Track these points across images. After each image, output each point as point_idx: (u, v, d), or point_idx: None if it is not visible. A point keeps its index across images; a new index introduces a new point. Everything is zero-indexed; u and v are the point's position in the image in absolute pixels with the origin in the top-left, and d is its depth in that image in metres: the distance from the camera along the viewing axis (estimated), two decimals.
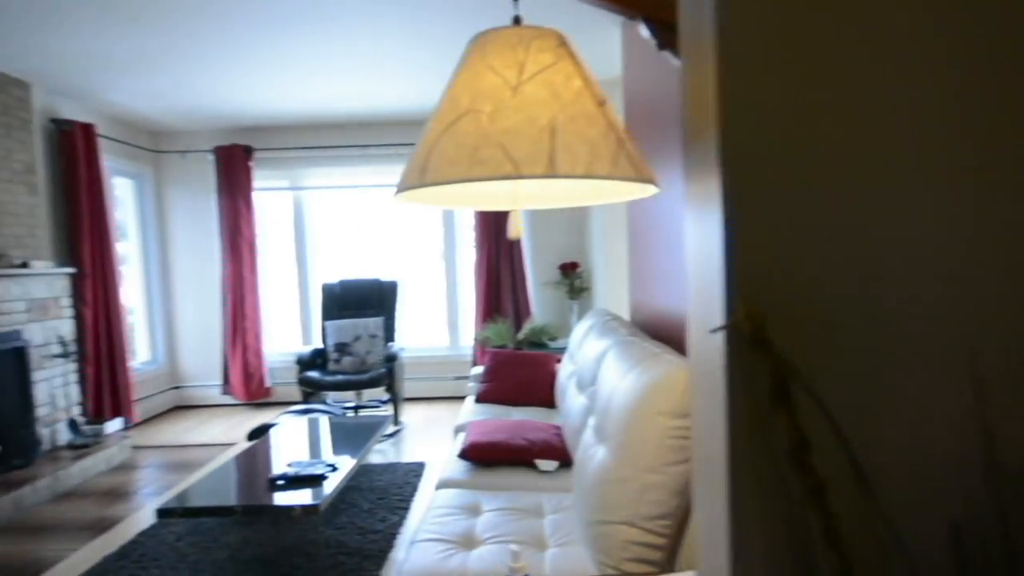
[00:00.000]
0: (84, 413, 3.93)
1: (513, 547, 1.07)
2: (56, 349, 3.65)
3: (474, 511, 1.91)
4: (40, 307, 3.57)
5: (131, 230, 5.02)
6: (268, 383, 5.18)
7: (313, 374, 4.14)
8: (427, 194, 0.99)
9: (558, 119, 0.75)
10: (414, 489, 3.17)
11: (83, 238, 4.05)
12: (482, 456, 2.27)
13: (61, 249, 4.03)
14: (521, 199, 1.02)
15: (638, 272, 2.81)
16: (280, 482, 2.21)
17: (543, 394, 3.29)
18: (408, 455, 3.78)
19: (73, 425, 3.69)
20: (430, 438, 4.13)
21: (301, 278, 5.33)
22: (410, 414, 4.75)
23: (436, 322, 5.40)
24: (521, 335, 4.70)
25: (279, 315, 5.41)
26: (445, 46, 3.39)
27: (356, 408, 4.30)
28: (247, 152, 5.00)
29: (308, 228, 5.33)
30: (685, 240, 0.63)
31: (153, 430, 4.57)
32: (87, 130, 4.13)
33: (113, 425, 3.96)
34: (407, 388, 4.96)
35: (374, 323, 4.47)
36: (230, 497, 2.18)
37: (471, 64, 0.82)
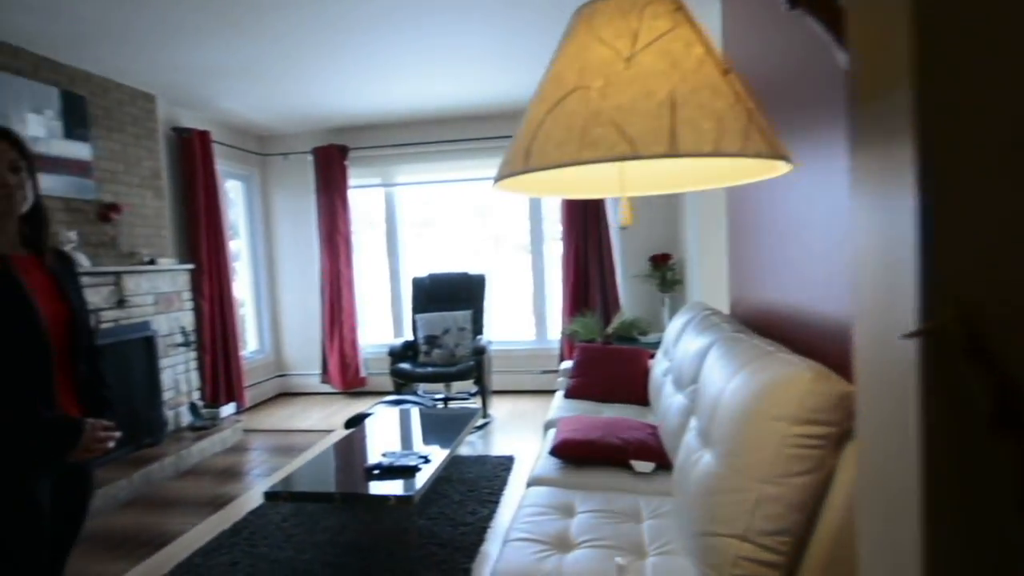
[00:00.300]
0: (202, 398, 4.27)
1: (619, 560, 1.00)
2: (179, 339, 3.99)
3: (568, 511, 1.85)
4: (165, 300, 3.91)
5: (241, 229, 5.39)
6: (363, 373, 5.40)
7: (405, 366, 4.25)
8: (529, 182, 0.93)
9: (679, 91, 0.67)
10: (503, 483, 3.16)
11: (200, 237, 4.38)
12: (574, 454, 2.21)
13: (182, 247, 4.39)
14: (630, 185, 0.93)
15: (740, 263, 2.62)
16: (375, 472, 2.26)
17: (635, 391, 3.16)
18: (497, 448, 3.79)
19: (194, 409, 4.01)
20: (518, 432, 4.12)
21: (392, 272, 5.49)
22: (498, 407, 4.77)
23: (523, 315, 5.39)
24: (610, 329, 4.58)
25: (373, 308, 5.62)
26: (536, 31, 3.32)
27: (445, 400, 4.37)
28: (342, 152, 5.21)
29: (399, 223, 5.49)
30: (851, 225, 0.52)
31: (261, 415, 4.89)
32: (203, 137, 4.46)
33: (227, 409, 4.27)
34: (494, 381, 4.99)
35: (463, 316, 4.52)
36: (330, 484, 2.26)
37: (577, 37, 0.75)
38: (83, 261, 3.27)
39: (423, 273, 4.78)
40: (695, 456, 1.57)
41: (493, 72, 3.95)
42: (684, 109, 0.66)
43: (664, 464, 2.15)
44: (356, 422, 3.30)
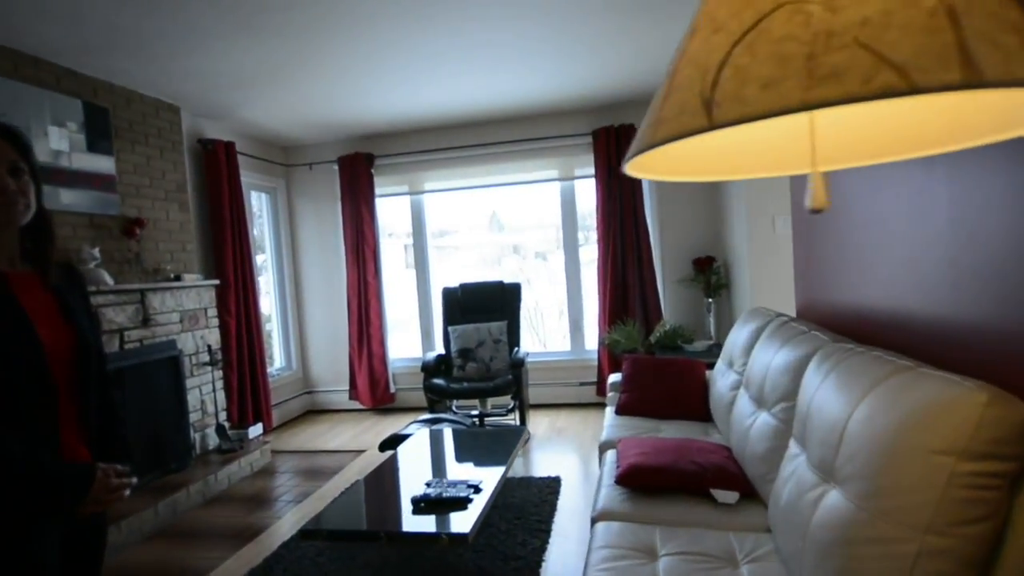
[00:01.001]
0: (229, 419, 4.11)
1: None
2: (205, 357, 3.83)
3: (649, 553, 1.61)
4: (191, 317, 3.76)
5: (266, 242, 5.25)
6: (392, 389, 5.20)
7: (439, 381, 4.04)
8: (672, 158, 0.71)
9: None
10: (552, 508, 2.92)
11: (226, 251, 4.24)
12: (645, 482, 1.96)
13: (207, 262, 4.26)
14: (822, 156, 0.70)
15: (813, 261, 2.36)
16: (422, 504, 2.04)
17: (693, 405, 2.91)
18: (540, 468, 3.55)
19: (221, 430, 3.84)
20: (560, 449, 3.88)
21: (422, 282, 5.31)
22: (536, 422, 4.53)
23: (558, 325, 5.15)
24: (653, 338, 4.32)
25: (401, 320, 5.44)
26: (577, 24, 3.12)
27: (481, 416, 4.15)
28: (368, 160, 5.05)
29: (427, 232, 5.31)
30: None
31: (288, 434, 4.72)
32: (228, 148, 4.33)
33: (254, 430, 4.10)
34: (529, 394, 4.75)
35: (497, 328, 4.30)
36: (372, 519, 2.05)
37: None
38: (106, 279, 3.12)
39: (454, 283, 4.58)
40: (812, 493, 1.32)
41: (525, 70, 3.75)
42: (969, 18, 0.43)
43: (747, 492, 1.89)
44: (391, 444, 3.09)
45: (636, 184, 4.60)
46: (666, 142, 0.54)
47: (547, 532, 2.66)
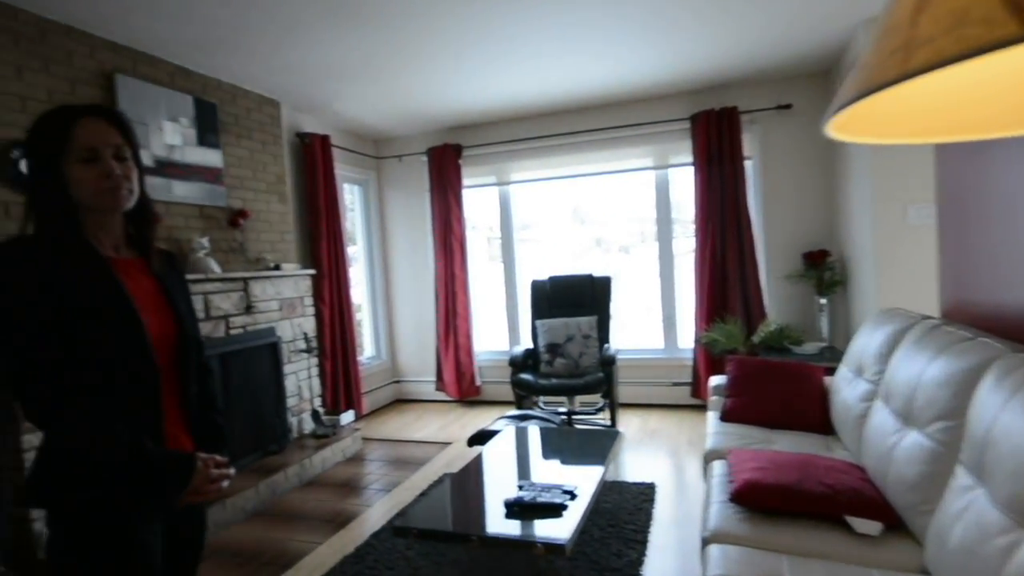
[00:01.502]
0: (323, 404, 4.23)
1: None
2: (301, 344, 3.95)
3: None
4: (288, 306, 3.88)
5: (357, 233, 5.38)
6: (478, 382, 5.17)
7: (527, 377, 3.94)
8: (878, 118, 0.53)
9: None
10: (648, 517, 2.73)
11: (321, 241, 4.36)
12: (765, 503, 1.74)
13: (304, 252, 4.39)
14: None
15: (973, 254, 2.01)
16: (515, 508, 1.93)
17: (809, 415, 2.61)
18: (632, 472, 3.36)
19: (316, 416, 3.96)
20: (652, 452, 3.66)
21: (508, 275, 5.23)
22: (626, 423, 4.32)
23: (651, 321, 4.90)
24: (757, 338, 3.99)
25: (488, 313, 5.39)
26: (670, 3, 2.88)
27: (569, 414, 4.01)
28: (456, 151, 5.03)
29: (515, 223, 5.22)
30: None
31: (378, 422, 4.80)
32: (323, 141, 4.44)
33: (346, 417, 4.19)
34: (619, 393, 4.55)
35: (587, 322, 4.13)
36: (463, 520, 1.97)
37: None
38: (214, 267, 3.26)
39: (543, 276, 4.45)
40: (1001, 540, 1.07)
41: (618, 53, 3.54)
42: None
43: (892, 523, 1.63)
44: (480, 439, 3.02)
45: (739, 171, 4.26)
46: (939, 66, 0.37)
47: (643, 544, 2.48)
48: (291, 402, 3.85)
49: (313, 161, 4.34)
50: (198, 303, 3.17)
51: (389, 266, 5.52)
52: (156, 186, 3.11)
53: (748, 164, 4.38)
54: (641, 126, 4.59)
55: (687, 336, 4.70)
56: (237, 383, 3.43)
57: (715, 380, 3.08)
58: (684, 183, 4.67)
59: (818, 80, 4.20)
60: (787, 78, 4.25)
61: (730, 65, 3.91)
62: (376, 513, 3.01)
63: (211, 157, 3.47)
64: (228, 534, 2.84)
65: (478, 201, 5.31)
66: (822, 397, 2.65)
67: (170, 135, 3.21)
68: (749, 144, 4.36)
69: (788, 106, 4.23)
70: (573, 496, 2.01)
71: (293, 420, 3.86)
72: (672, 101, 4.54)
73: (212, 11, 2.70)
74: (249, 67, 3.43)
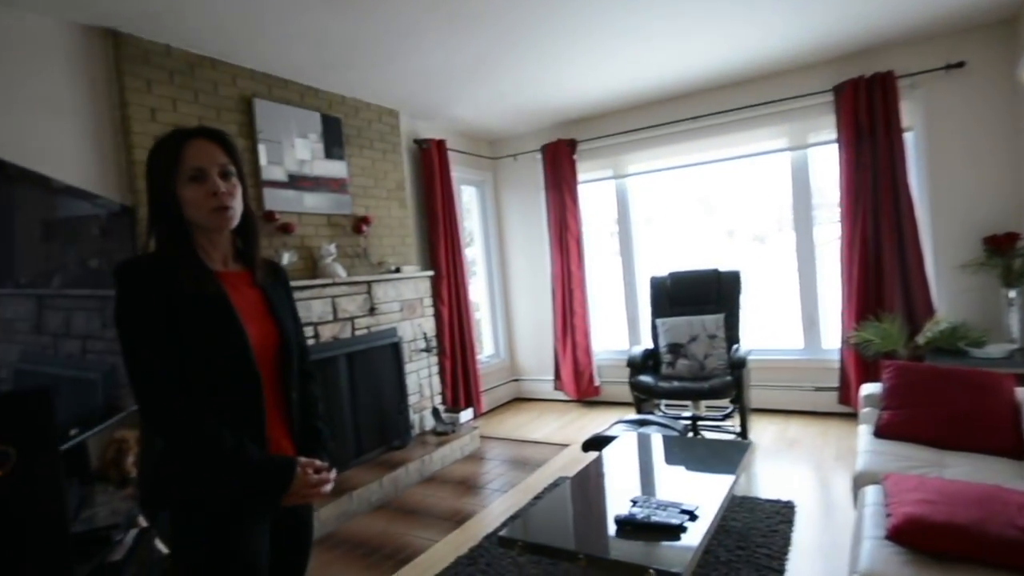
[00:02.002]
0: (443, 402, 4.34)
1: None
2: (421, 344, 4.08)
3: None
4: (409, 307, 4.03)
5: (475, 234, 5.47)
6: (597, 382, 5.02)
7: (646, 379, 3.72)
8: None
9: None
10: (785, 542, 2.42)
11: (439, 244, 4.48)
12: (935, 545, 1.44)
13: (423, 254, 4.54)
14: None
15: None
16: (627, 527, 1.79)
17: (996, 435, 2.16)
18: (766, 487, 3.03)
19: (436, 413, 4.07)
20: (791, 466, 3.28)
21: (627, 271, 5.02)
22: (759, 431, 3.94)
23: (789, 317, 4.42)
24: (922, 338, 3.42)
25: (606, 311, 5.22)
26: None
27: (694, 420, 3.72)
28: (571, 145, 4.91)
29: (632, 218, 4.99)
30: None
31: (496, 421, 4.84)
32: (440, 146, 4.56)
33: (465, 415, 4.26)
34: (751, 397, 4.16)
35: (713, 321, 3.81)
36: (570, 535, 1.87)
37: None
38: (340, 272, 3.46)
39: (662, 272, 4.20)
40: None
41: (744, 23, 3.19)
42: None
43: None
44: (595, 445, 2.89)
45: (896, 146, 3.67)
46: None
47: (780, 572, 2.20)
48: (412, 400, 3.99)
49: (430, 166, 4.47)
50: (326, 306, 3.38)
51: (507, 265, 5.55)
52: (289, 199, 3.36)
53: (908, 137, 3.77)
54: (772, 104, 4.15)
55: (832, 335, 4.17)
56: (362, 381, 3.62)
57: (867, 388, 2.67)
58: (826, 164, 4.15)
59: (998, 31, 3.50)
60: (957, 31, 3.59)
61: (883, 22, 3.38)
62: (492, 514, 3.00)
63: (337, 168, 3.69)
64: (353, 524, 2.99)
65: (594, 196, 5.15)
66: (1014, 411, 2.18)
67: (300, 150, 3.46)
68: (909, 113, 3.75)
69: (960, 64, 3.57)
70: (693, 517, 1.82)
71: (415, 417, 4.00)
72: (809, 73, 4.04)
73: (333, 29, 2.84)
74: (369, 80, 3.59)
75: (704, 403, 3.90)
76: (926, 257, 3.70)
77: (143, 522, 2.01)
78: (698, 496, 2.00)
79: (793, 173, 4.27)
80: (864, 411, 2.59)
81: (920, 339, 3.43)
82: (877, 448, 2.22)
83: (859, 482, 2.02)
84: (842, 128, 3.85)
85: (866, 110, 3.74)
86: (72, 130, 2.51)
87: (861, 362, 3.82)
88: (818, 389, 4.20)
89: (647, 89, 4.28)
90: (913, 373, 2.46)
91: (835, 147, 3.92)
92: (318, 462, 1.24)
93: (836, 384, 4.09)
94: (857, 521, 1.76)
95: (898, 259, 3.73)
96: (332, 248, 3.48)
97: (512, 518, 2.90)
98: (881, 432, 2.34)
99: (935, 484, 1.65)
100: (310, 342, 3.25)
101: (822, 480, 3.07)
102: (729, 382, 3.46)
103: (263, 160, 3.23)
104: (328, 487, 1.24)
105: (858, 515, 1.79)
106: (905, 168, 3.69)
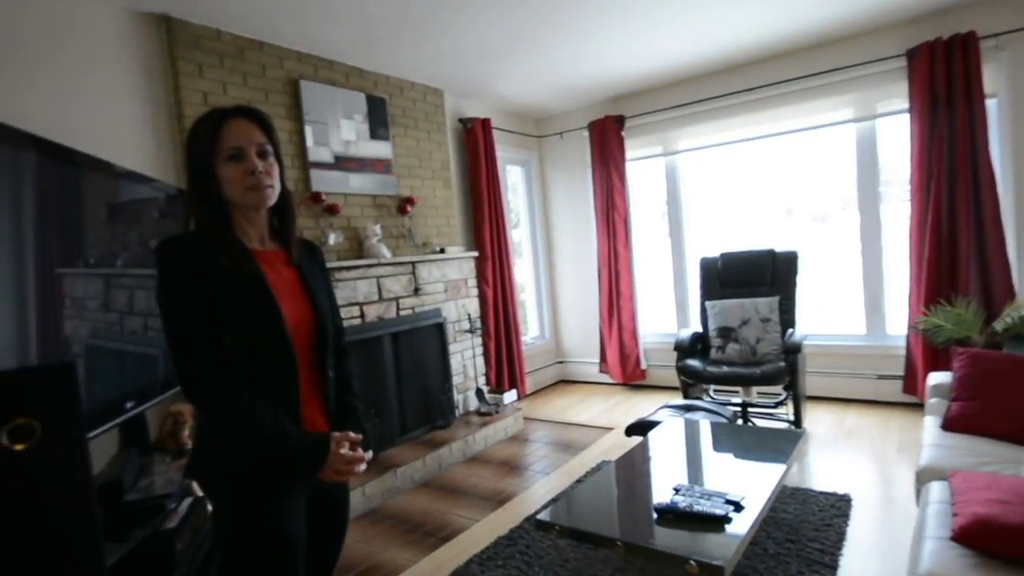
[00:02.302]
0: (487, 383, 4.35)
1: None
2: (465, 325, 4.10)
3: None
4: (453, 287, 4.04)
5: (521, 213, 5.42)
6: (643, 365, 4.92)
7: (694, 363, 3.61)
8: None
9: None
10: (839, 536, 2.31)
11: (484, 224, 4.45)
12: (1004, 549, 1.32)
13: (468, 235, 4.53)
14: None
15: None
16: (668, 515, 1.74)
17: None
18: (820, 479, 2.89)
19: (480, 394, 4.09)
20: (848, 457, 3.12)
21: (676, 252, 4.86)
22: (814, 419, 3.77)
23: (851, 301, 4.18)
24: (1000, 325, 3.16)
25: (653, 293, 5.09)
26: None
27: (744, 407, 3.59)
28: (619, 122, 4.77)
29: (682, 197, 4.81)
30: None
31: (540, 403, 4.83)
32: (485, 125, 4.51)
33: (509, 396, 4.27)
34: (807, 384, 3.98)
35: (766, 304, 3.65)
36: (611, 521, 1.83)
37: None
38: (385, 252, 3.49)
39: (713, 253, 4.04)
40: None
41: None
42: None
43: None
44: (639, 430, 2.83)
45: (977, 115, 3.37)
46: None
47: (832, 568, 2.10)
48: (456, 380, 4.02)
49: (475, 145, 4.43)
50: (372, 287, 3.43)
51: (552, 246, 5.48)
52: (335, 179, 3.40)
53: (990, 104, 3.45)
54: (835, 72, 3.88)
55: (898, 321, 3.92)
56: (407, 360, 3.67)
57: (935, 377, 2.49)
58: (896, 136, 3.86)
59: None
60: None
61: None
62: (533, 496, 3.00)
63: (382, 149, 3.70)
64: (398, 501, 3.05)
65: (643, 174, 5.00)
66: None
67: (346, 131, 3.49)
68: (993, 78, 3.43)
69: None
70: (739, 508, 1.75)
71: (459, 397, 4.03)
72: (879, 36, 3.75)
73: (378, 8, 2.82)
74: (414, 58, 3.57)
75: (755, 389, 3.75)
76: (1008, 236, 3.41)
77: (198, 491, 2.10)
78: (745, 486, 1.92)
79: (859, 146, 4.00)
80: (931, 402, 2.42)
81: (998, 325, 3.17)
82: (944, 442, 2.07)
83: (923, 477, 1.89)
84: (915, 96, 3.56)
85: (943, 76, 3.44)
86: (130, 116, 2.60)
87: (930, 349, 3.58)
88: (880, 377, 3.97)
89: (698, 61, 4.08)
90: (988, 362, 2.27)
91: (906, 117, 3.64)
92: (352, 434, 1.24)
93: (901, 372, 3.85)
94: (919, 519, 1.64)
95: (975, 238, 3.45)
96: (377, 229, 3.51)
97: (552, 501, 2.89)
98: (950, 425, 2.17)
99: (1010, 483, 1.51)
100: (355, 322, 3.31)
101: (882, 473, 2.91)
102: (782, 368, 3.31)
103: (309, 141, 3.27)
104: (362, 467, 1.24)
105: (920, 513, 1.68)
106: (986, 139, 3.38)
